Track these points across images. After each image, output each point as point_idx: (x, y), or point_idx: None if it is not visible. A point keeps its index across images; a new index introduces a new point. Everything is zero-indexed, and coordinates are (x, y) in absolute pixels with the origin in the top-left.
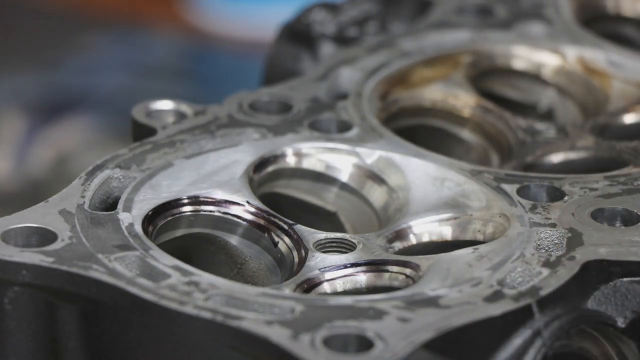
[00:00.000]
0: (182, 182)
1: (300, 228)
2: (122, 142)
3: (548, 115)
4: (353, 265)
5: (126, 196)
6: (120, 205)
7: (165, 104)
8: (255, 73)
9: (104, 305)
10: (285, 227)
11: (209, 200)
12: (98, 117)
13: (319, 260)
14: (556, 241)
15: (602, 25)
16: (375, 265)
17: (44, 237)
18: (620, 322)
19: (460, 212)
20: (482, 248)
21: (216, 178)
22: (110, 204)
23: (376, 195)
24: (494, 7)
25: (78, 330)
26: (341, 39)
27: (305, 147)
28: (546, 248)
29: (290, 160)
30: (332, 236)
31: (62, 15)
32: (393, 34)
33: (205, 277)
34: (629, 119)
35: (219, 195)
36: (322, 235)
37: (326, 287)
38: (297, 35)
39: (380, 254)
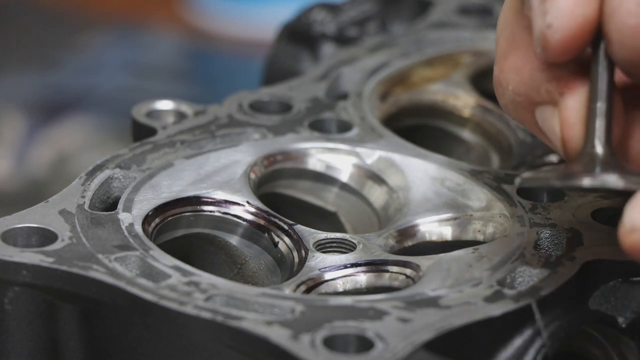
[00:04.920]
0: (182, 182)
1: (300, 228)
2: (122, 142)
3: None
4: (353, 265)
5: (126, 196)
6: (120, 206)
7: (165, 104)
8: (255, 73)
9: (104, 305)
10: (285, 227)
11: (209, 200)
12: (98, 117)
13: (319, 260)
14: (556, 241)
15: None
16: (375, 266)
17: (44, 237)
18: (621, 322)
19: (460, 212)
20: (482, 248)
21: (216, 178)
22: (110, 204)
23: (376, 195)
24: (494, 7)
25: (78, 330)
26: (341, 39)
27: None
28: (546, 248)
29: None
30: (332, 236)
31: (62, 15)
32: (393, 34)
33: (205, 277)
34: None
35: (219, 195)
36: (322, 235)
37: (326, 287)
38: (297, 35)
39: (380, 254)
